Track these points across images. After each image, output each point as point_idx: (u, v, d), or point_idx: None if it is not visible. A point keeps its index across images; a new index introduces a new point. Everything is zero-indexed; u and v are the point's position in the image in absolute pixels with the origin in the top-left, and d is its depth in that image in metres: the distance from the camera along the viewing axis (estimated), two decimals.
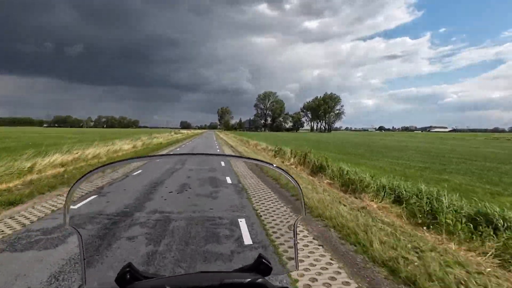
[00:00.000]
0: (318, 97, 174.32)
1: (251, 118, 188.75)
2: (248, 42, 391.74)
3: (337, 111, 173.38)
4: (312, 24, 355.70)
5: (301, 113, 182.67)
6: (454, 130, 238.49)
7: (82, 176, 0.75)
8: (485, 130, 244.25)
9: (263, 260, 0.77)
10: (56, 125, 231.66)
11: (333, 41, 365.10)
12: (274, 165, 0.91)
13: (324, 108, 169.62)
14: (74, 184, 0.75)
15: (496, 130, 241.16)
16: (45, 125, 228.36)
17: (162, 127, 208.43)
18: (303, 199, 0.92)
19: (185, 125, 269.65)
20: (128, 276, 0.71)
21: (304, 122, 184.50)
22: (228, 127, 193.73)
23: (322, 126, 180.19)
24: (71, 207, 0.89)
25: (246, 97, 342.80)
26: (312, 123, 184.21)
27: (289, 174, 0.86)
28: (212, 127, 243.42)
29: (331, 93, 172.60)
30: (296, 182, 0.88)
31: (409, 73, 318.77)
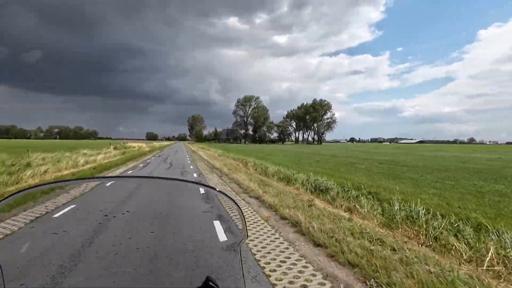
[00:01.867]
0: (305, 104, 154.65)
1: (229, 128, 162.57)
2: (218, 54, 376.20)
3: (328, 120, 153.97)
4: (281, 38, 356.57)
5: (285, 122, 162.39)
6: (421, 142, 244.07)
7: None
8: (448, 142, 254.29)
9: (211, 283, 0.73)
10: None
11: (302, 56, 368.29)
12: (217, 189, 0.97)
13: (313, 116, 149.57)
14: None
15: (455, 142, 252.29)
16: None
17: (127, 138, 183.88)
18: (245, 222, 0.93)
19: (151, 137, 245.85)
20: None
21: (291, 133, 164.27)
22: (200, 138, 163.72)
23: (310, 137, 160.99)
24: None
25: (216, 108, 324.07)
26: (297, 133, 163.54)
27: (227, 196, 0.97)
28: (181, 138, 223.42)
29: (320, 99, 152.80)
30: (236, 203, 0.94)
31: (371, 88, 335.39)
